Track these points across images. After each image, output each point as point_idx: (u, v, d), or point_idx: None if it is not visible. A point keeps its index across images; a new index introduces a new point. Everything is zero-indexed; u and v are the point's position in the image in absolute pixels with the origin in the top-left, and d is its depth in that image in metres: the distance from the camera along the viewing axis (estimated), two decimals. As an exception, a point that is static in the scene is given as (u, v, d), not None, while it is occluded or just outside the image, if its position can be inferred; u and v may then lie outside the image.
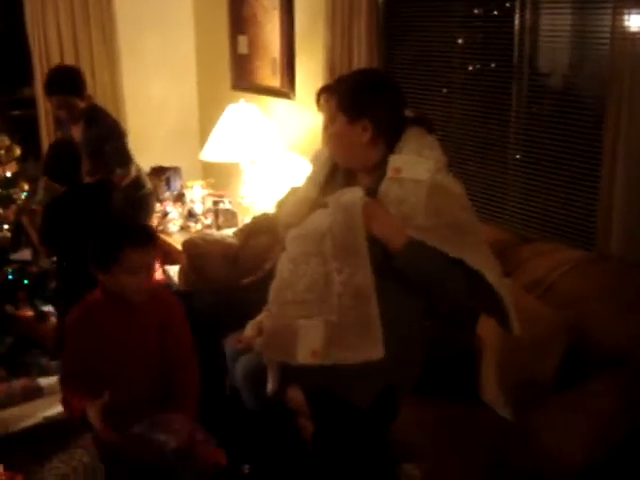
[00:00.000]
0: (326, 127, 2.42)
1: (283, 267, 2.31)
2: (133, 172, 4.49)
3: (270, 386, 2.42)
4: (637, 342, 2.58)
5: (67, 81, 4.37)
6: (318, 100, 2.64)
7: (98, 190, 3.86)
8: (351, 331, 2.16)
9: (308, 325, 2.20)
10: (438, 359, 2.90)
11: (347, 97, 2.29)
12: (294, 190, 2.67)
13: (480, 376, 2.86)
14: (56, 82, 4.37)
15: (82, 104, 4.37)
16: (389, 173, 2.23)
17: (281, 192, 3.63)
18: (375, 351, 2.15)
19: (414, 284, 2.24)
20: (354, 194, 2.22)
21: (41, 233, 3.71)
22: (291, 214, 2.46)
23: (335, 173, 2.44)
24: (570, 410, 2.44)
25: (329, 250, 2.19)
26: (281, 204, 2.70)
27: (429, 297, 2.41)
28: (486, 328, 2.88)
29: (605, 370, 2.54)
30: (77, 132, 4.41)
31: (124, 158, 4.42)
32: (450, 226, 2.17)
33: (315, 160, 2.57)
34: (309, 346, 2.18)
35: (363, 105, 2.26)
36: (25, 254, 3.96)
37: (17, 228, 4.21)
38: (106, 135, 4.38)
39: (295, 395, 2.71)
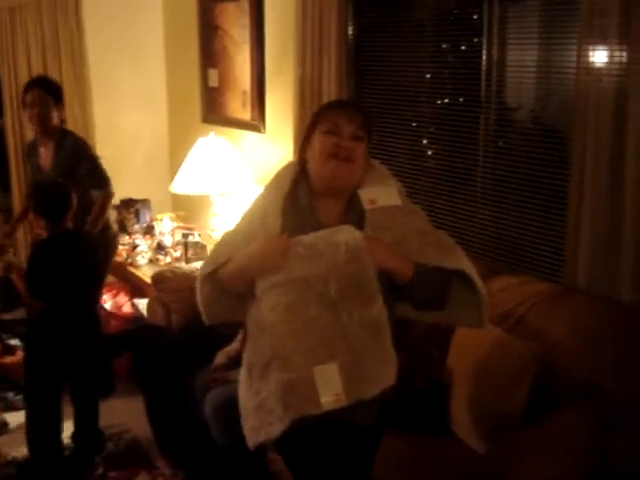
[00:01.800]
0: (346, 143, 2.29)
1: (274, 319, 2.18)
2: (113, 192, 4.41)
3: (275, 431, 2.18)
4: (606, 374, 2.59)
5: (49, 81, 4.38)
6: (335, 113, 2.43)
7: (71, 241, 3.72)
8: (370, 365, 2.14)
9: (323, 371, 2.12)
10: (408, 392, 2.90)
11: (368, 123, 2.33)
12: (231, 235, 2.43)
13: (450, 408, 2.86)
14: (39, 79, 4.41)
15: (56, 116, 4.28)
16: (366, 205, 2.28)
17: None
18: (392, 377, 2.16)
19: (415, 302, 2.32)
20: (351, 234, 2.17)
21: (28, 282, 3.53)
22: (275, 253, 2.19)
23: (292, 208, 2.34)
24: (541, 443, 2.44)
25: (333, 293, 2.14)
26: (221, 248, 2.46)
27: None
28: (455, 361, 2.89)
29: (575, 402, 2.55)
30: (47, 153, 4.31)
31: (100, 180, 4.34)
32: (437, 243, 2.28)
33: (252, 204, 2.45)
34: (331, 391, 2.12)
35: (371, 133, 2.34)
36: (17, 315, 3.79)
37: (6, 285, 4.05)
38: (79, 156, 4.31)
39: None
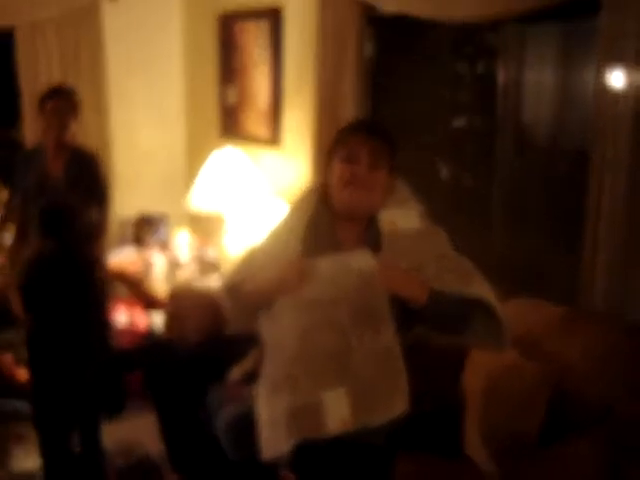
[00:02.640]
0: (358, 168, 2.28)
1: (286, 340, 2.21)
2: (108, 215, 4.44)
3: (282, 449, 2.23)
4: (620, 397, 2.57)
5: (72, 92, 4.36)
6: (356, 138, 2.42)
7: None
8: (379, 393, 2.15)
9: (332, 396, 2.13)
10: (421, 414, 2.88)
11: (393, 150, 2.33)
12: (256, 252, 2.49)
13: (463, 431, 2.84)
14: (62, 88, 4.38)
15: (73, 128, 4.30)
16: (385, 229, 2.28)
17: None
18: (403, 405, 2.16)
19: (433, 327, 2.31)
20: (365, 259, 2.18)
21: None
22: (294, 276, 2.23)
23: (313, 232, 2.36)
24: (555, 467, 2.42)
25: (345, 317, 2.15)
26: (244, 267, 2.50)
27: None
28: (469, 384, 2.87)
29: (588, 427, 2.53)
30: (57, 165, 4.29)
31: (102, 199, 4.41)
32: (456, 269, 2.27)
33: (276, 227, 2.48)
34: (338, 416, 2.13)
35: (395, 157, 2.34)
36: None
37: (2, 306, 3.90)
38: (90, 172, 4.36)
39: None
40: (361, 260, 2.17)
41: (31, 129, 5.25)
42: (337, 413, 2.13)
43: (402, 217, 2.30)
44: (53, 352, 3.47)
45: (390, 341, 2.15)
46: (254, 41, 5.00)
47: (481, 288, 2.26)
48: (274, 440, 2.20)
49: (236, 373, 3.43)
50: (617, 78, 2.89)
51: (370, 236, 2.31)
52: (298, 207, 2.45)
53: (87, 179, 4.37)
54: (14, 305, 3.50)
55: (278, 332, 2.24)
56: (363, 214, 2.32)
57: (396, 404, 2.15)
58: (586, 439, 2.48)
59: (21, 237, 4.27)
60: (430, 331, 2.37)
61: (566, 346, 2.84)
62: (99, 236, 4.37)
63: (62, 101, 4.23)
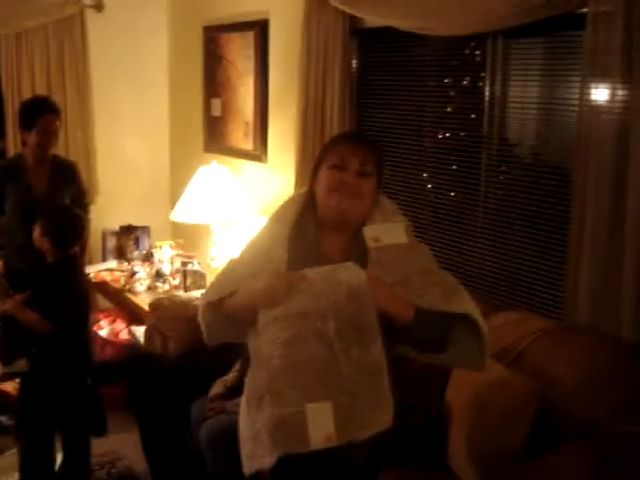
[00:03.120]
0: (346, 174, 2.28)
1: (271, 353, 2.15)
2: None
3: (265, 463, 2.16)
4: (606, 411, 2.57)
5: (58, 107, 4.31)
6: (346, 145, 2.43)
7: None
8: (365, 408, 2.11)
9: (316, 409, 2.09)
10: (405, 427, 2.88)
11: (381, 161, 2.34)
12: (236, 265, 2.44)
13: (448, 443, 2.84)
14: (52, 104, 4.28)
15: (57, 141, 4.30)
16: (370, 243, 2.26)
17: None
18: (387, 421, 2.13)
19: (415, 344, 2.29)
20: (354, 273, 2.14)
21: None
22: (278, 291, 2.17)
23: (297, 242, 2.34)
24: (539, 481, 2.42)
25: (332, 331, 2.11)
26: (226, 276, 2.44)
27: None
28: (454, 397, 2.86)
29: (573, 441, 2.53)
30: (40, 176, 4.25)
31: (85, 204, 4.48)
32: (441, 283, 2.25)
33: (257, 236, 2.45)
34: (322, 431, 2.09)
35: (382, 173, 2.36)
36: (21, 364, 3.61)
37: (6, 331, 3.72)
38: (71, 179, 4.39)
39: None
40: (350, 274, 2.14)
41: (15, 139, 5.24)
42: (321, 428, 2.09)
43: (388, 232, 2.29)
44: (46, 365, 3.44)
45: (377, 356, 2.12)
46: (239, 52, 5.01)
47: (467, 304, 2.25)
48: (256, 454, 2.17)
49: (219, 386, 3.42)
50: (601, 93, 2.91)
51: (355, 250, 2.29)
52: (280, 216, 2.41)
53: (70, 188, 4.36)
54: (31, 321, 3.38)
55: (263, 345, 2.19)
56: (350, 222, 2.31)
57: (381, 420, 2.12)
58: (572, 453, 2.48)
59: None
60: (412, 349, 2.35)
61: (552, 359, 2.84)
62: (84, 246, 4.36)
63: (56, 118, 4.21)
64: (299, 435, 2.09)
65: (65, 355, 3.44)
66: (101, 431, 4.24)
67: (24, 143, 4.30)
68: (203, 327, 2.42)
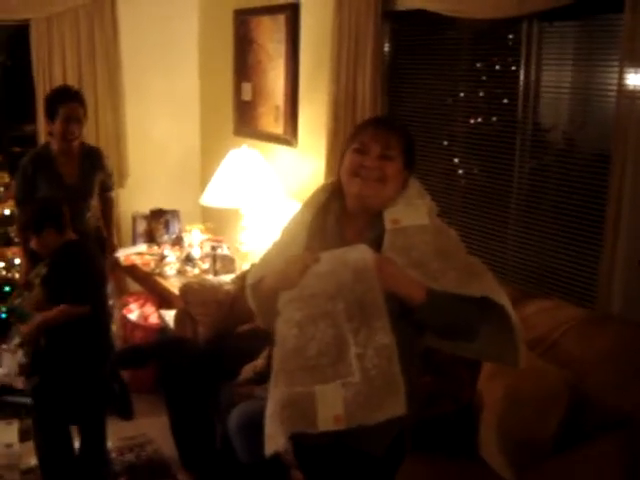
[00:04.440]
0: (367, 158, 2.27)
1: (286, 333, 2.18)
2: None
3: (280, 444, 2.16)
4: (638, 405, 2.53)
5: (82, 95, 4.33)
6: (370, 130, 2.42)
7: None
8: (375, 391, 2.09)
9: (326, 390, 2.09)
10: (437, 415, 2.86)
11: (409, 144, 2.30)
12: (271, 248, 2.49)
13: (479, 433, 2.81)
14: (75, 92, 4.32)
15: (83, 131, 4.29)
16: (388, 225, 2.23)
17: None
18: (399, 407, 2.09)
19: (434, 330, 2.25)
20: (362, 254, 2.14)
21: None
22: (294, 272, 2.20)
23: (322, 228, 2.35)
24: (571, 474, 2.39)
25: (341, 312, 2.11)
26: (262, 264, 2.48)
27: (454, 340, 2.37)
28: (486, 385, 2.84)
29: (606, 433, 2.49)
30: (71, 166, 4.28)
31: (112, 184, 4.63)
32: (463, 268, 2.19)
33: (289, 222, 2.47)
34: (330, 412, 2.08)
35: (413, 160, 2.31)
36: (35, 379, 3.57)
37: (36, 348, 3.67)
38: (100, 165, 4.43)
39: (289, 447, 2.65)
40: (358, 254, 2.14)
41: (45, 129, 5.26)
42: (330, 409, 2.08)
43: (408, 213, 2.24)
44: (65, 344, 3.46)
45: (386, 339, 2.10)
46: (270, 36, 4.98)
47: (487, 287, 2.19)
48: (272, 435, 2.17)
49: (248, 372, 3.42)
50: (639, 79, 2.85)
51: (371, 232, 2.27)
52: (309, 202, 2.43)
53: (98, 173, 4.39)
54: (63, 316, 3.41)
55: (279, 327, 2.22)
56: (373, 206, 2.28)
57: (392, 405, 2.09)
58: (604, 446, 2.45)
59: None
60: (438, 338, 2.32)
61: (585, 350, 2.81)
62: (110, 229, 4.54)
63: (78, 107, 4.19)
64: (307, 415, 2.10)
65: (81, 341, 3.46)
66: (127, 414, 4.27)
67: (50, 133, 4.33)
68: (254, 310, 2.49)
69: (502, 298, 2.20)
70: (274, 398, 2.19)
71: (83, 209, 4.31)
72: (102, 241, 4.58)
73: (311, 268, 2.17)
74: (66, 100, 4.16)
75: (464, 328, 2.23)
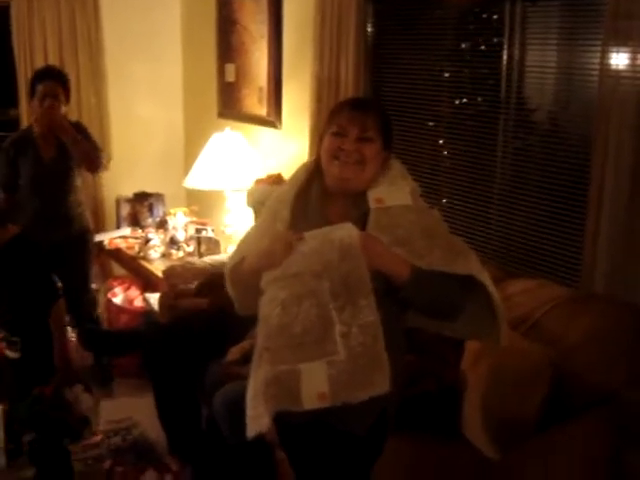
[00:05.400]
0: (346, 141, 2.29)
1: (269, 312, 2.19)
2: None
3: (263, 424, 2.16)
4: (622, 382, 2.55)
5: (63, 74, 4.25)
6: (345, 113, 2.42)
7: None
8: (359, 369, 2.10)
9: (310, 368, 2.10)
10: (420, 395, 2.87)
11: (386, 124, 2.32)
12: (251, 229, 2.52)
13: (463, 413, 2.83)
14: (54, 70, 4.26)
15: (63, 111, 4.16)
16: (372, 204, 2.24)
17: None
18: (383, 385, 2.10)
19: (419, 309, 2.27)
20: (347, 231, 2.15)
21: None
22: (279, 252, 2.21)
23: (304, 206, 2.35)
24: (555, 450, 2.41)
25: (326, 290, 2.12)
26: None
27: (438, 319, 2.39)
28: (469, 364, 2.85)
29: (590, 410, 2.51)
30: (49, 145, 4.16)
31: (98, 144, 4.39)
32: (446, 246, 2.21)
33: (269, 200, 2.47)
34: (315, 390, 2.10)
35: (391, 137, 2.32)
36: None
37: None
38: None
39: (272, 428, 2.66)
40: (344, 233, 2.15)
41: (27, 111, 5.23)
42: (314, 387, 2.10)
43: (392, 193, 2.26)
44: None
45: (370, 317, 2.11)
46: (253, 17, 4.95)
47: (472, 266, 2.22)
48: (255, 415, 2.17)
49: (234, 353, 3.41)
50: (622, 59, 2.85)
51: (355, 212, 2.27)
52: (290, 180, 2.44)
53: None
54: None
55: (263, 306, 2.22)
56: (353, 188, 2.29)
57: (376, 382, 2.10)
58: (587, 422, 2.47)
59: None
60: (422, 316, 2.33)
61: (569, 328, 2.82)
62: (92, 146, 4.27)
63: (56, 84, 4.11)
64: (292, 393, 2.11)
65: None
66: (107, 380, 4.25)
67: (32, 112, 4.28)
68: (232, 297, 2.48)
69: (485, 277, 2.22)
70: (258, 378, 2.19)
71: (63, 190, 4.22)
72: (84, 231, 4.42)
73: (296, 247, 2.18)
74: (45, 78, 4.10)
75: (448, 306, 2.25)
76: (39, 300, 4.07)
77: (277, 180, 3.80)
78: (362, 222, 2.22)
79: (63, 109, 4.14)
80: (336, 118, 2.29)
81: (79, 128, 4.25)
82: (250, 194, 3.81)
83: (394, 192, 2.26)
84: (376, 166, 2.28)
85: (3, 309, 3.61)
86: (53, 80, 4.12)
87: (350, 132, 2.24)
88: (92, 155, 4.13)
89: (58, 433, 3.38)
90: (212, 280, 3.85)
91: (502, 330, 2.27)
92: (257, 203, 3.71)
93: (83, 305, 4.40)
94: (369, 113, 2.29)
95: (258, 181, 3.87)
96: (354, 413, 2.15)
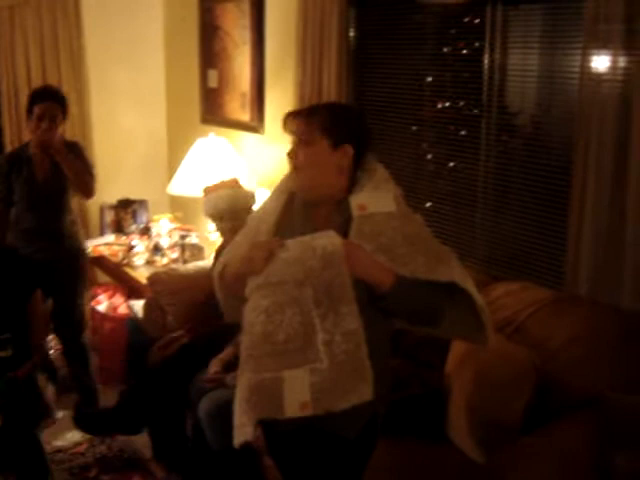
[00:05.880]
0: (292, 153, 2.32)
1: (253, 320, 2.19)
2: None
3: (248, 432, 2.16)
4: (606, 384, 2.56)
5: (61, 95, 4.15)
6: (285, 124, 2.42)
7: None
8: (342, 377, 2.09)
9: (293, 375, 2.10)
10: (406, 398, 2.87)
11: (334, 121, 2.26)
12: (238, 237, 2.51)
13: (449, 416, 2.83)
14: (52, 91, 4.17)
15: (60, 131, 4.08)
16: (355, 211, 2.23)
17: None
18: (366, 392, 2.10)
19: (402, 317, 2.27)
20: (330, 239, 2.14)
21: None
22: (258, 259, 2.21)
23: (289, 215, 2.36)
24: (540, 453, 2.41)
25: (309, 298, 2.12)
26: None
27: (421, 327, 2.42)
28: (455, 368, 2.86)
29: (574, 413, 2.52)
30: (44, 165, 4.04)
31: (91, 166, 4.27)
32: (429, 253, 2.20)
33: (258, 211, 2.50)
34: (297, 398, 2.09)
35: (349, 131, 2.27)
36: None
37: None
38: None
39: (259, 434, 2.66)
40: (326, 241, 2.14)
41: (10, 118, 5.20)
42: (297, 395, 2.09)
43: (375, 200, 2.24)
44: None
45: (353, 325, 2.10)
46: (235, 22, 4.95)
47: (455, 273, 2.21)
48: (240, 424, 2.17)
49: (215, 364, 3.39)
50: (602, 62, 2.87)
51: (338, 218, 2.27)
52: (276, 189, 2.44)
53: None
54: None
55: (247, 314, 2.22)
56: (312, 196, 2.30)
57: (359, 391, 2.10)
58: (572, 425, 2.48)
59: None
60: (403, 321, 2.34)
61: (553, 330, 2.83)
62: (84, 169, 4.15)
63: (54, 106, 4.02)
64: (274, 401, 2.10)
65: None
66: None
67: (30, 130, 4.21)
68: (220, 303, 2.51)
69: (468, 283, 2.22)
70: (242, 385, 2.19)
71: (58, 209, 4.14)
72: (77, 251, 4.30)
73: (278, 255, 2.17)
74: (43, 99, 4.01)
75: (430, 314, 2.24)
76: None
77: (233, 185, 3.75)
78: (345, 229, 2.22)
79: (60, 129, 4.11)
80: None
81: (76, 148, 4.20)
82: (205, 203, 3.73)
83: (377, 198, 2.25)
84: (329, 163, 2.25)
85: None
86: (51, 101, 4.03)
87: (292, 139, 2.29)
88: (84, 179, 4.10)
89: (27, 418, 3.37)
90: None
91: (488, 331, 2.28)
92: (216, 211, 3.66)
93: (71, 326, 4.30)
94: (303, 116, 2.29)
95: (207, 190, 3.76)
96: (345, 417, 2.14)
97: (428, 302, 2.20)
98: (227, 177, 3.87)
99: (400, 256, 2.16)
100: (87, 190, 4.15)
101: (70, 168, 4.00)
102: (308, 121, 2.26)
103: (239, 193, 3.69)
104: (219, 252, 3.80)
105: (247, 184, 4.60)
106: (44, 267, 3.98)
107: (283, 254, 2.17)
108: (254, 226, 2.40)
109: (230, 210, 3.59)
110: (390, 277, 2.13)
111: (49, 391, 3.69)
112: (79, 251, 4.31)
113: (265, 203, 2.44)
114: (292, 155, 2.29)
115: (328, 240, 2.14)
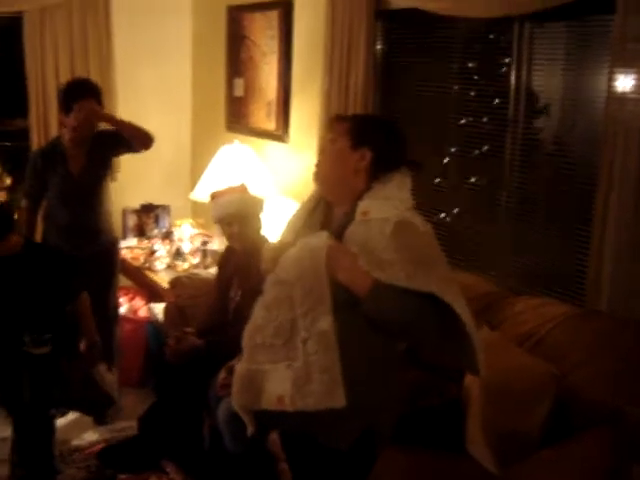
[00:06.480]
0: (322, 150, 2.46)
1: (257, 313, 2.32)
2: None
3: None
4: (625, 399, 2.56)
5: (98, 90, 4.13)
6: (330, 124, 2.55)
7: None
8: (313, 377, 2.16)
9: (275, 370, 2.22)
10: (424, 409, 2.88)
11: (359, 125, 2.37)
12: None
13: (466, 428, 2.84)
14: (91, 86, 4.12)
15: (96, 124, 4.13)
16: (358, 217, 2.27)
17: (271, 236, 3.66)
18: (337, 399, 2.13)
19: (383, 327, 2.20)
20: (320, 238, 2.24)
21: None
22: (268, 259, 2.40)
23: (314, 215, 2.47)
24: (558, 467, 2.41)
25: (298, 297, 2.20)
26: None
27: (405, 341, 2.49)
28: (473, 380, 2.86)
29: (593, 428, 2.52)
30: (79, 159, 4.10)
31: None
32: (416, 261, 2.14)
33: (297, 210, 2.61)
34: (274, 391, 2.21)
35: (370, 137, 2.34)
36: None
37: None
38: (110, 142, 4.23)
39: (276, 439, 2.69)
40: (317, 241, 2.24)
41: (37, 118, 5.25)
42: (276, 389, 2.21)
43: (379, 207, 2.26)
44: None
45: (325, 327, 2.15)
46: (263, 32, 4.99)
47: (432, 284, 2.10)
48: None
49: (224, 370, 3.38)
50: (629, 80, 2.88)
51: (346, 220, 2.31)
52: (310, 195, 2.55)
53: (109, 157, 4.31)
54: None
55: (255, 307, 2.36)
56: (330, 194, 2.42)
57: (329, 396, 2.14)
58: (590, 440, 2.47)
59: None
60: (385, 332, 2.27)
61: (574, 345, 2.84)
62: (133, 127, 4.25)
63: (94, 102, 4.02)
64: (254, 391, 2.25)
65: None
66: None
67: (62, 125, 4.21)
68: None
69: (455, 301, 2.10)
70: (236, 373, 2.35)
71: (92, 204, 4.17)
72: (111, 244, 4.37)
73: (287, 254, 2.29)
74: (80, 97, 3.98)
75: (411, 327, 2.15)
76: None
77: (241, 191, 3.76)
78: (341, 232, 2.28)
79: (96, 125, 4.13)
80: None
81: (108, 135, 4.21)
82: (214, 208, 3.71)
83: (381, 206, 2.26)
84: (347, 161, 2.33)
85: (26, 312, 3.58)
86: (90, 98, 4.01)
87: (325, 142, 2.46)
88: (141, 130, 4.14)
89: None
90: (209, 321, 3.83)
91: (478, 356, 2.17)
92: (225, 215, 3.66)
93: (106, 319, 4.29)
94: (335, 120, 2.48)
95: (215, 194, 3.74)
96: (336, 427, 2.22)
97: (407, 313, 2.12)
98: (235, 183, 3.88)
99: (383, 262, 2.14)
100: (147, 138, 4.20)
101: (125, 126, 4.08)
102: (342, 123, 2.39)
103: (248, 198, 3.70)
104: (224, 257, 3.84)
105: (267, 192, 4.65)
106: (80, 264, 4.00)
107: (290, 253, 2.29)
108: (285, 230, 2.53)
109: (239, 215, 3.60)
110: (368, 282, 2.14)
111: (108, 379, 3.75)
112: (113, 245, 4.36)
113: (299, 207, 2.57)
114: (318, 166, 2.43)
115: (318, 241, 2.24)
